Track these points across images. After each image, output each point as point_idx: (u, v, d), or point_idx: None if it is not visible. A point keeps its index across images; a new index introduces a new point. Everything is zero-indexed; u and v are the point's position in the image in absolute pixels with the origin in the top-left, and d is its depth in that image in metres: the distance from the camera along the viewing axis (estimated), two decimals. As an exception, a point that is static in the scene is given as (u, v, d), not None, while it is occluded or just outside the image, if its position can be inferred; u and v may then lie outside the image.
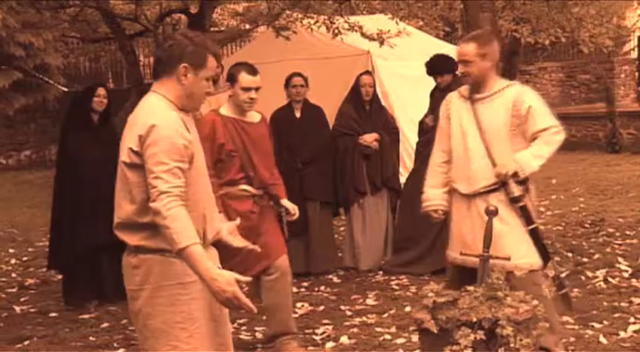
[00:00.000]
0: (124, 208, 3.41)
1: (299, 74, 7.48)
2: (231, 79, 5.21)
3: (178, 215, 3.20)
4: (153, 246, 3.34)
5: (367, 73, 8.27)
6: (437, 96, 7.55)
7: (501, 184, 4.72)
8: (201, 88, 3.43)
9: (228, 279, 3.21)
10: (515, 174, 4.68)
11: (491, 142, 4.72)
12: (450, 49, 9.69)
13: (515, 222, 4.75)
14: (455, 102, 4.95)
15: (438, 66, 7.42)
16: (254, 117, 5.35)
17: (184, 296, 3.38)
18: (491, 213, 4.54)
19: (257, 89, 5.18)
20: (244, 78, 5.15)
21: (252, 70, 5.20)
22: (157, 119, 3.29)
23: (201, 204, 3.43)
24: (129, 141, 3.34)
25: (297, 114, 7.54)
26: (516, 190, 4.70)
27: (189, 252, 3.18)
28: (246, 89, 5.14)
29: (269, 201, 5.36)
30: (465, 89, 4.92)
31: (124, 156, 3.35)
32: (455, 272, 4.97)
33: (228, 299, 3.21)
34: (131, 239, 3.40)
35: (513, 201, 4.73)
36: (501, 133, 4.73)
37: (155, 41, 13.34)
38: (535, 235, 4.77)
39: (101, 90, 6.80)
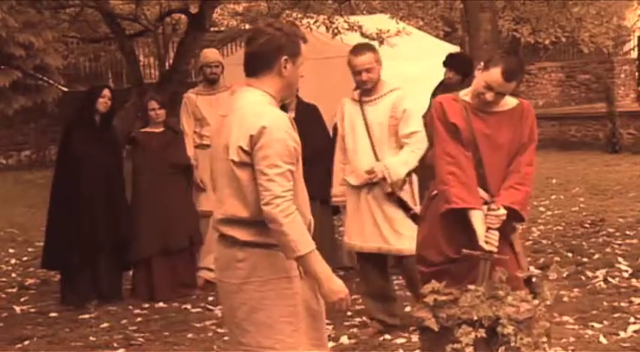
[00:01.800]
0: (232, 205, 3.36)
1: None
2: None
3: (295, 221, 3.24)
4: (261, 241, 3.33)
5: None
6: (438, 95, 7.56)
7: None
8: (297, 76, 3.47)
9: (341, 283, 3.35)
10: (383, 178, 5.41)
11: (375, 140, 5.48)
12: (450, 49, 9.69)
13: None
14: (347, 106, 5.68)
15: (452, 60, 7.43)
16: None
17: (290, 291, 3.39)
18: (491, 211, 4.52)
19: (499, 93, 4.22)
20: (495, 75, 4.15)
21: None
22: (269, 120, 3.27)
23: (304, 205, 3.44)
24: (239, 139, 3.28)
25: (292, 114, 7.54)
26: (388, 187, 5.43)
27: (308, 258, 3.27)
28: (489, 87, 4.20)
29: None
30: (356, 94, 5.60)
31: (234, 154, 3.29)
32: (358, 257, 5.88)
33: (340, 300, 3.33)
34: (240, 234, 3.36)
35: (388, 195, 5.45)
36: (383, 132, 5.47)
37: (155, 41, 13.37)
38: (415, 220, 5.23)
39: (107, 92, 6.79)
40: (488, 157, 4.23)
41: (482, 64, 4.25)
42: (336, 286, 3.31)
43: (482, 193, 4.25)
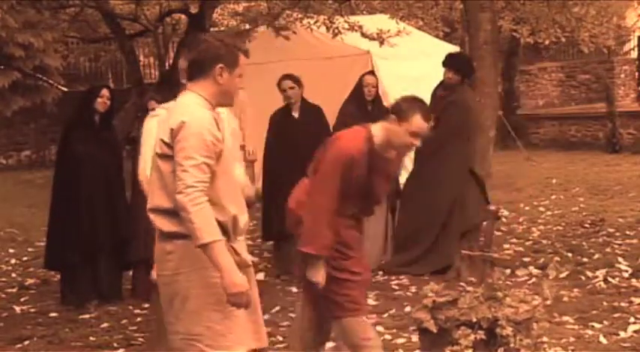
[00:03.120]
0: (157, 195, 3.58)
1: (288, 76, 7.46)
2: (401, 115, 4.46)
3: (202, 210, 3.39)
4: (186, 231, 3.47)
5: (371, 73, 8.27)
6: (438, 95, 7.56)
7: None
8: (235, 85, 3.65)
9: (244, 278, 3.47)
10: None
11: None
12: (450, 49, 9.69)
13: None
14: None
15: (451, 60, 7.42)
16: (392, 153, 4.66)
17: (217, 279, 3.49)
18: (492, 213, 4.54)
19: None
20: (418, 121, 4.39)
21: (428, 116, 4.52)
22: (189, 116, 3.49)
23: (229, 199, 3.59)
24: (162, 133, 3.55)
25: (296, 115, 7.54)
26: None
27: (211, 247, 3.39)
28: (416, 134, 4.43)
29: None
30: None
31: (157, 147, 3.56)
32: None
33: (240, 294, 3.44)
34: (165, 225, 3.56)
35: None
36: None
37: (155, 41, 13.36)
38: None
39: (105, 92, 6.79)
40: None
41: (392, 116, 4.37)
42: (238, 279, 3.45)
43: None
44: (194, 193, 3.39)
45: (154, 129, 4.82)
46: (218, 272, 3.46)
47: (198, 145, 3.44)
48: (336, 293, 4.45)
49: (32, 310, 6.78)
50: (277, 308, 6.44)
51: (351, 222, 4.61)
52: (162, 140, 3.52)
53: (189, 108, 3.54)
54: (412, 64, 11.73)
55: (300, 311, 4.77)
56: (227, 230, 3.55)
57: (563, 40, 14.65)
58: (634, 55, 21.44)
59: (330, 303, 4.51)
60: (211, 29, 12.13)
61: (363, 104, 7.73)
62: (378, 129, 4.43)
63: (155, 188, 3.59)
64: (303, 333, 4.71)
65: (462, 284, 6.65)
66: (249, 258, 3.86)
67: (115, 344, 5.78)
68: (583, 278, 6.89)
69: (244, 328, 3.63)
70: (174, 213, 3.49)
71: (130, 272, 7.14)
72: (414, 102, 4.44)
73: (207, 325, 3.55)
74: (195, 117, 3.49)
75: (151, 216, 3.61)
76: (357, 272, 4.49)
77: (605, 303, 6.12)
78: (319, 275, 4.39)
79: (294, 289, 7.02)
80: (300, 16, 10.81)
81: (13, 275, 8.14)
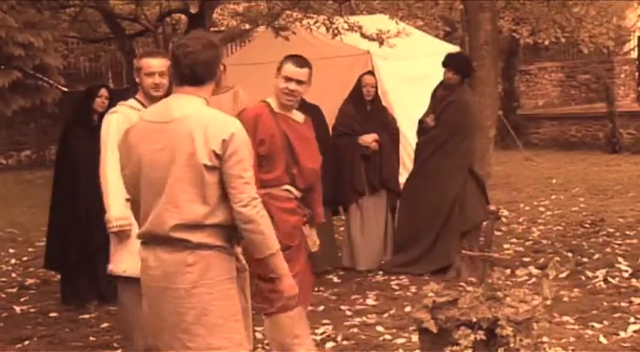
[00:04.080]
0: (190, 210, 3.41)
1: None
2: (278, 68, 4.78)
3: (268, 221, 3.48)
4: (214, 243, 3.44)
5: (370, 73, 8.28)
6: (438, 95, 7.57)
7: None
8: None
9: (295, 282, 3.65)
10: None
11: None
12: (450, 49, 9.68)
13: None
14: (135, 117, 4.58)
15: (451, 60, 7.42)
16: (297, 115, 4.96)
17: (233, 291, 3.55)
18: (492, 213, 4.54)
19: (299, 83, 4.74)
20: (288, 67, 4.71)
21: (300, 62, 4.76)
22: (236, 127, 3.44)
23: None
24: (209, 143, 3.36)
25: (296, 114, 7.53)
26: None
27: (278, 255, 3.51)
28: (287, 78, 4.72)
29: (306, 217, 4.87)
30: (135, 102, 4.86)
31: (206, 159, 3.36)
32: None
33: (293, 297, 3.64)
34: (194, 237, 3.42)
35: None
36: None
37: (155, 41, 13.36)
38: None
39: (104, 92, 6.80)
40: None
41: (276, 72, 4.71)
42: (293, 282, 3.63)
43: (294, 191, 4.68)
44: (260, 205, 3.42)
45: (113, 126, 4.73)
46: (233, 283, 3.53)
47: (249, 156, 3.44)
48: (265, 289, 4.46)
49: (32, 310, 6.78)
50: (277, 308, 6.44)
51: (287, 204, 4.62)
52: (214, 151, 3.36)
53: (223, 115, 3.49)
54: (412, 64, 11.73)
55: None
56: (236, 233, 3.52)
57: (563, 40, 14.64)
58: (634, 55, 21.44)
59: (261, 299, 4.54)
60: (211, 29, 12.14)
61: (362, 104, 7.74)
62: (272, 97, 4.76)
63: (183, 200, 3.40)
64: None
65: (462, 284, 6.65)
66: (244, 262, 3.95)
67: (115, 344, 5.78)
68: (583, 278, 6.89)
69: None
70: (207, 225, 3.41)
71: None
72: (286, 56, 4.78)
73: (230, 336, 3.49)
74: (240, 128, 3.44)
75: (178, 233, 3.41)
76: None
77: (605, 303, 6.12)
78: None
79: (294, 289, 7.03)
80: (299, 16, 10.80)
81: (13, 275, 8.14)
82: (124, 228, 4.76)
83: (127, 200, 4.63)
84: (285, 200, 4.66)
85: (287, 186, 4.69)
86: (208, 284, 3.44)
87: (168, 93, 5.01)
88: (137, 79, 4.88)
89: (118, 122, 4.73)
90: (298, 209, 4.72)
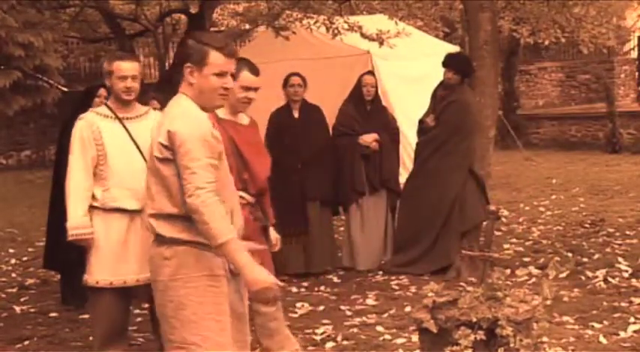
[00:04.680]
0: (158, 201, 3.50)
1: (297, 74, 7.48)
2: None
3: (215, 210, 3.33)
4: (188, 238, 3.45)
5: (370, 73, 8.28)
6: (438, 95, 7.57)
7: None
8: (210, 84, 3.51)
9: (266, 272, 3.40)
10: None
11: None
12: (450, 49, 9.69)
13: None
14: (101, 123, 4.78)
15: (451, 60, 7.42)
16: (243, 119, 4.90)
17: (216, 289, 3.49)
18: (492, 213, 4.54)
19: (256, 90, 4.77)
20: (246, 76, 4.68)
21: (255, 69, 4.75)
22: (187, 117, 3.44)
23: (229, 201, 3.55)
24: (159, 136, 3.46)
25: (296, 115, 7.55)
26: None
27: (227, 246, 3.33)
28: (246, 88, 4.71)
29: (259, 219, 4.86)
30: (105, 109, 4.86)
31: (156, 151, 3.46)
32: (110, 297, 4.83)
33: (264, 290, 3.36)
34: (166, 230, 3.48)
35: None
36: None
37: (155, 41, 13.37)
38: None
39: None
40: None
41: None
42: (259, 275, 3.36)
43: (246, 196, 4.61)
44: (205, 194, 3.32)
45: (77, 133, 4.72)
46: (216, 281, 3.47)
47: (201, 145, 3.38)
48: None
49: (32, 310, 6.78)
50: (277, 308, 6.44)
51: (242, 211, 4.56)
52: (160, 143, 3.43)
53: (185, 109, 3.49)
54: (412, 64, 11.74)
55: None
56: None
57: (563, 40, 14.66)
58: (634, 55, 21.46)
59: None
60: (211, 29, 12.14)
61: (362, 104, 7.75)
62: None
63: (154, 192, 3.50)
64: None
65: (462, 284, 6.65)
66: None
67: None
68: (583, 278, 6.89)
69: (234, 339, 3.59)
70: (177, 217, 3.44)
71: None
72: (238, 62, 4.53)
73: (205, 334, 3.46)
74: (193, 118, 3.44)
75: (151, 221, 3.51)
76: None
77: (605, 303, 6.12)
78: None
79: (294, 289, 7.03)
80: (299, 16, 10.81)
81: (13, 275, 8.14)
82: (83, 236, 4.75)
83: (91, 207, 4.72)
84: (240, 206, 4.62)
85: (240, 193, 4.55)
86: (183, 279, 3.47)
87: (140, 98, 5.08)
88: (107, 83, 4.84)
89: (81, 129, 4.75)
90: (250, 215, 4.65)
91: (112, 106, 4.86)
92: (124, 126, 4.80)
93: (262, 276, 3.36)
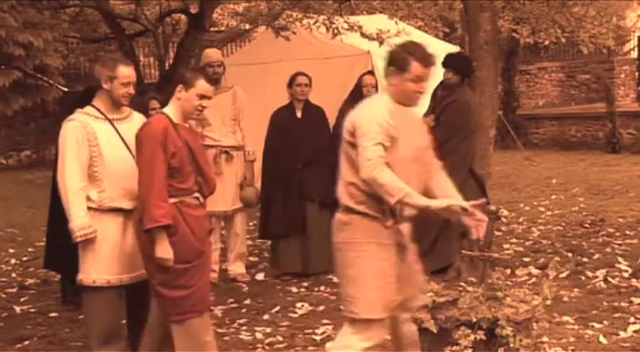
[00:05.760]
0: (344, 172, 4.19)
1: (304, 73, 7.49)
2: (187, 83, 4.66)
3: (385, 173, 3.93)
4: (358, 209, 4.06)
5: (370, 73, 8.27)
6: (438, 95, 7.57)
7: None
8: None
9: (446, 201, 4.08)
10: None
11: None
12: (450, 49, 9.68)
13: None
14: (94, 124, 4.81)
15: (451, 60, 7.41)
16: (192, 126, 5.01)
17: (380, 255, 4.03)
18: (493, 213, 4.54)
19: (210, 98, 4.73)
20: (202, 85, 4.64)
21: (210, 80, 4.81)
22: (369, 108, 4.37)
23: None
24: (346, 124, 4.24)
25: (299, 114, 7.54)
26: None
27: (406, 198, 3.94)
28: (201, 96, 4.65)
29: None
30: (93, 110, 4.87)
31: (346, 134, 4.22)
32: (107, 296, 4.88)
33: (450, 211, 4.01)
34: (345, 200, 4.11)
35: None
36: None
37: (155, 41, 13.37)
38: None
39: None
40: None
41: (179, 86, 4.63)
42: (441, 204, 4.05)
43: (201, 198, 4.71)
44: (374, 163, 4.01)
45: (70, 134, 4.72)
46: (383, 249, 4.03)
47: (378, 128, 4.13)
48: (170, 296, 4.53)
49: (32, 310, 6.78)
50: (277, 308, 6.44)
51: (199, 211, 4.65)
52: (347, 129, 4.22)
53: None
54: (412, 64, 11.72)
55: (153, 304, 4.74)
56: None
57: (563, 40, 14.65)
58: (634, 55, 21.46)
59: (168, 306, 4.55)
60: (211, 29, 12.14)
61: (363, 104, 7.73)
62: (168, 108, 4.68)
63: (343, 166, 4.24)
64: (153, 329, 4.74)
65: (462, 284, 6.65)
66: None
67: (115, 344, 5.77)
68: (583, 278, 6.89)
69: (390, 299, 4.05)
70: (356, 189, 4.07)
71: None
72: (195, 71, 4.87)
73: (362, 290, 3.99)
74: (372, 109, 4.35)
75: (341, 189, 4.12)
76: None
77: (605, 303, 6.12)
78: (166, 251, 4.40)
79: (294, 289, 7.03)
80: (299, 16, 10.81)
81: (13, 275, 8.14)
82: (89, 236, 4.76)
83: (89, 208, 4.74)
84: (196, 207, 4.65)
85: (196, 194, 4.67)
86: (356, 243, 4.11)
87: (140, 98, 5.14)
88: (105, 86, 4.82)
89: (74, 129, 4.74)
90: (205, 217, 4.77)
91: (100, 107, 4.85)
92: (114, 127, 4.82)
93: (444, 203, 4.02)
